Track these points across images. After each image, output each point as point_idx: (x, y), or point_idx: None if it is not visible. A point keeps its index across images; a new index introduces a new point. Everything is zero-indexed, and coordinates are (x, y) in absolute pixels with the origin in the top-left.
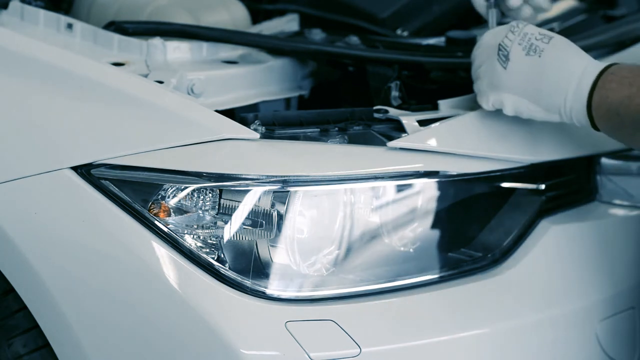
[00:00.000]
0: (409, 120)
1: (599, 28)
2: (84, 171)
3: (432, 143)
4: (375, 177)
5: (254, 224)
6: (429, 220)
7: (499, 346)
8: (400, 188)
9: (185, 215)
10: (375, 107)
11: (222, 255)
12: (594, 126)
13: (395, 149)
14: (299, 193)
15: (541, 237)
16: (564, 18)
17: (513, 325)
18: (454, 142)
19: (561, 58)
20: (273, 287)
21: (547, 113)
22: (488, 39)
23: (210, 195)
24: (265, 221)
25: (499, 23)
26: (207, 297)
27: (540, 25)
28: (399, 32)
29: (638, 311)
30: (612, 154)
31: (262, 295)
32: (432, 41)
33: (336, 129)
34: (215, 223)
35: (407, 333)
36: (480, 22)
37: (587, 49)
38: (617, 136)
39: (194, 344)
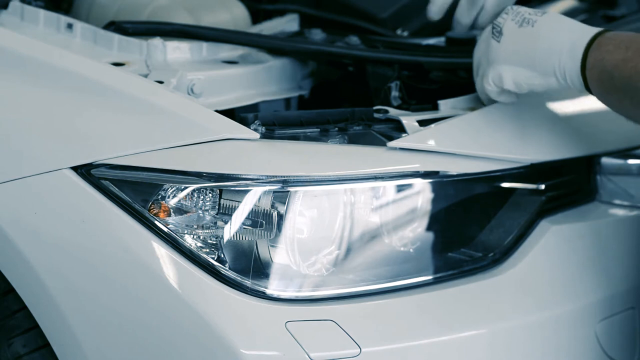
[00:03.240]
0: (409, 120)
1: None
2: (84, 171)
3: (432, 143)
4: (375, 177)
5: (254, 224)
6: (429, 220)
7: (499, 346)
8: (400, 188)
9: (185, 215)
10: (375, 107)
11: (222, 255)
12: (587, 88)
13: (395, 149)
14: (299, 193)
15: (541, 237)
16: None
17: (513, 325)
18: (454, 142)
19: (555, 25)
20: (273, 287)
21: (544, 78)
22: (484, 32)
23: (210, 195)
24: (265, 221)
25: None
26: (207, 297)
27: None
28: (399, 32)
29: (638, 311)
30: (612, 154)
31: (262, 295)
32: (432, 41)
33: (336, 129)
34: (215, 223)
35: (407, 333)
36: None
37: None
38: (607, 100)
39: (194, 344)
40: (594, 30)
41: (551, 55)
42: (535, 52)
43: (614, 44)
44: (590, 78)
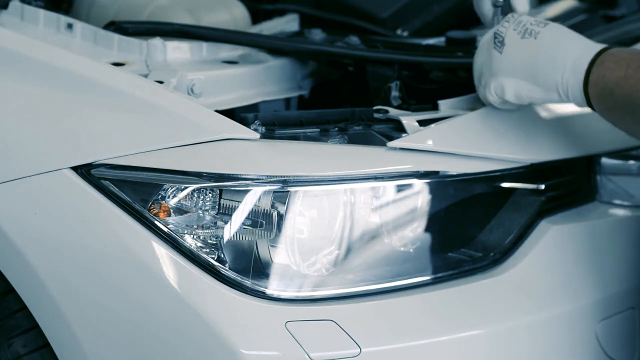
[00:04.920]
0: (409, 120)
1: (599, 28)
2: (84, 171)
3: (432, 143)
4: (375, 177)
5: (254, 224)
6: (429, 220)
7: (498, 346)
8: (400, 188)
9: (185, 215)
10: (375, 107)
11: (222, 255)
12: (589, 104)
13: (395, 149)
14: (299, 193)
15: (541, 237)
16: (564, 18)
17: (513, 325)
18: (454, 142)
19: (558, 38)
20: (273, 287)
21: (546, 92)
22: (485, 37)
23: (210, 195)
24: (265, 221)
25: None
26: (207, 297)
27: None
28: (399, 32)
29: (638, 311)
30: (612, 154)
31: (262, 295)
32: (432, 41)
33: (336, 129)
34: (215, 223)
35: (407, 333)
36: (480, 22)
37: None
38: (609, 117)
39: (194, 344)
40: (597, 46)
41: (553, 70)
42: (538, 66)
43: (615, 61)
44: (592, 95)
